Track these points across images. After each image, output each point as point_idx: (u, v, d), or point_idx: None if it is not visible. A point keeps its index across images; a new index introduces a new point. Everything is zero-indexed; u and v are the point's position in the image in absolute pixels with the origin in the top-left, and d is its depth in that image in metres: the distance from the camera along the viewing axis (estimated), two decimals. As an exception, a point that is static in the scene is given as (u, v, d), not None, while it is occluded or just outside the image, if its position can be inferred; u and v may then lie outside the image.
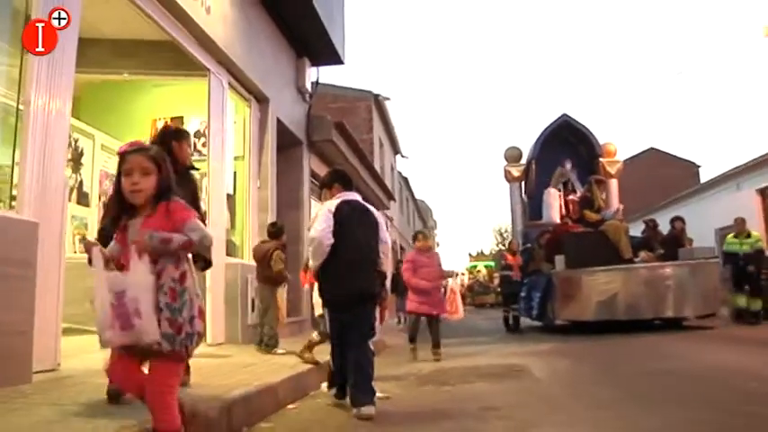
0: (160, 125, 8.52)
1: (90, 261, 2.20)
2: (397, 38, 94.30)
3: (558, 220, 12.43)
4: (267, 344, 6.27)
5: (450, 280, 8.25)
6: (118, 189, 2.27)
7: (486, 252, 44.42)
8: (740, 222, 10.73)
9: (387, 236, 4.24)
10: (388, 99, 21.86)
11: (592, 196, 11.04)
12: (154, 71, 7.65)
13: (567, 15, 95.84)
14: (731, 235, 10.67)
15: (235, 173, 8.15)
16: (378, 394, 3.70)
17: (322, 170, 11.56)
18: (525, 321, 11.80)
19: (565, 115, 13.99)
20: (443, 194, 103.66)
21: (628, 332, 8.60)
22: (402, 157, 28.00)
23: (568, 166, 13.46)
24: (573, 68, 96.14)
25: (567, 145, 13.97)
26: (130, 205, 2.26)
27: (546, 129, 13.94)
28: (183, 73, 7.46)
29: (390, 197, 19.51)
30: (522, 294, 11.75)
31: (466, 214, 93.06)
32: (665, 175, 32.93)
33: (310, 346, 5.45)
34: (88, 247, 2.23)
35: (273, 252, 6.45)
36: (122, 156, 2.28)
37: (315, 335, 5.61)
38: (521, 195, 14.29)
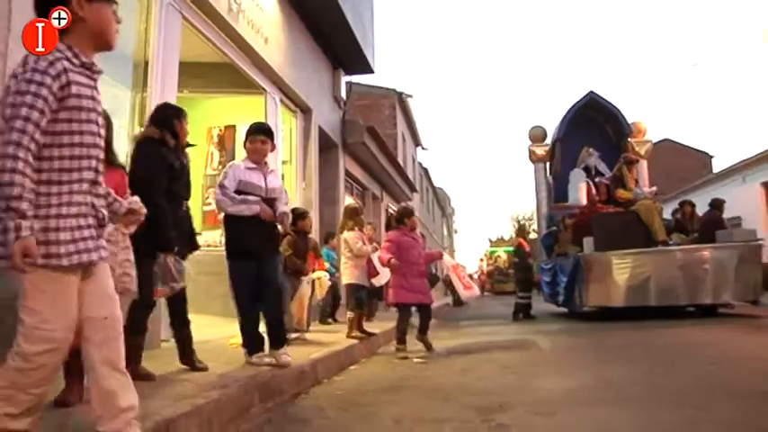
0: (215, 133, 9.83)
1: None
2: (414, 28, 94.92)
3: (584, 203, 11.85)
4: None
5: (446, 256, 7.53)
6: None
7: (507, 238, 43.73)
8: None
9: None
10: (410, 96, 22.92)
11: (622, 176, 10.55)
12: (215, 89, 8.86)
13: (584, 7, 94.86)
14: None
15: (283, 175, 9.17)
16: (416, 360, 4.81)
17: (355, 170, 12.82)
18: (548, 308, 11.68)
19: (592, 92, 13.27)
20: (462, 182, 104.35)
21: (658, 319, 8.32)
22: (423, 149, 29.11)
23: (595, 156, 12.85)
24: (589, 59, 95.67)
25: (593, 124, 13.40)
26: None
27: (572, 107, 13.25)
28: (239, 91, 8.67)
29: (413, 189, 20.69)
30: (547, 279, 11.51)
31: (484, 202, 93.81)
32: (679, 165, 32.94)
33: (352, 325, 6.53)
34: None
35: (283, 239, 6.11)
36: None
37: (348, 313, 6.63)
38: (545, 177, 13.77)
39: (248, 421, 3.09)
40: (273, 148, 4.56)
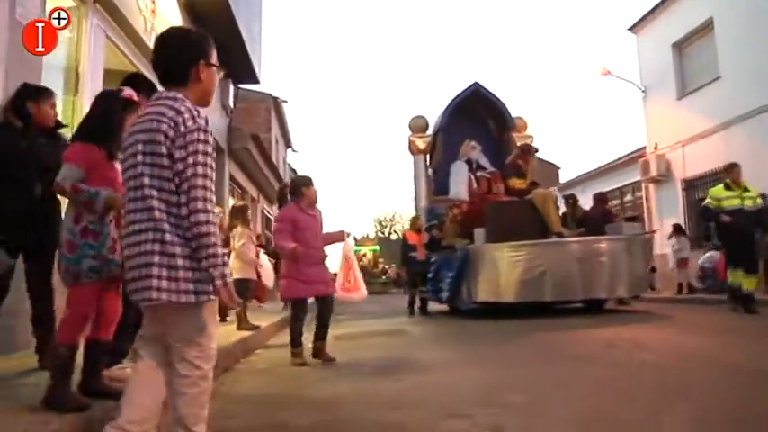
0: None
1: None
2: (289, 31, 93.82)
3: (466, 196, 11.19)
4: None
5: (349, 241, 5.93)
6: None
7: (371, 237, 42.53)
8: (733, 168, 7.89)
9: None
10: (285, 102, 23.73)
11: (523, 164, 10.01)
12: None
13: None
14: (719, 187, 7.91)
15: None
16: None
17: (237, 173, 13.46)
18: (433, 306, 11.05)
19: (476, 84, 12.79)
20: (328, 183, 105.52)
21: (546, 315, 8.17)
22: (293, 151, 29.97)
23: (478, 150, 12.04)
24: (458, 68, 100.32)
25: (476, 117, 12.98)
26: None
27: (456, 97, 12.68)
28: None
29: (285, 190, 21.44)
30: (430, 275, 10.58)
31: (349, 201, 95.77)
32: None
33: (240, 318, 6.83)
34: None
35: None
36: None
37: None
38: (426, 169, 13.13)
39: None
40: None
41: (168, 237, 1.96)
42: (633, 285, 8.40)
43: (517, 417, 2.81)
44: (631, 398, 3.11)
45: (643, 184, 16.93)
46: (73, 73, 5.85)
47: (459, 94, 12.72)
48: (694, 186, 15.31)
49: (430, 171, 13.15)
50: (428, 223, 11.78)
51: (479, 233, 8.96)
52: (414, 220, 11.95)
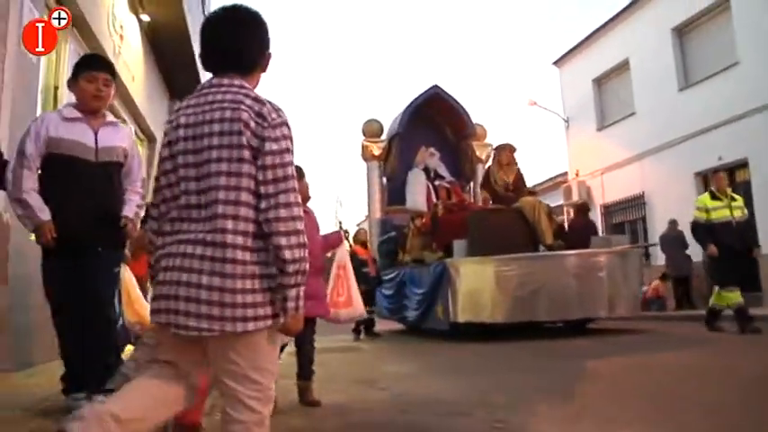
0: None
1: None
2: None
3: (424, 207, 10.45)
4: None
5: (346, 246, 5.00)
6: None
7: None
8: (719, 179, 7.36)
9: None
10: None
11: (509, 164, 8.84)
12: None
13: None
14: (705, 196, 7.32)
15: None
16: None
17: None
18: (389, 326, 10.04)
19: (436, 86, 11.82)
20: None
21: (525, 336, 7.29)
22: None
23: (436, 157, 11.56)
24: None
25: (433, 123, 12.17)
26: None
27: (414, 100, 11.65)
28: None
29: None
30: (387, 293, 9.48)
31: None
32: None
33: None
34: None
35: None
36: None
37: None
38: (380, 177, 11.96)
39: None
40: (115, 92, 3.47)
41: (239, 253, 1.59)
42: (631, 303, 7.74)
43: (513, 413, 3.16)
44: None
45: (565, 208, 17.64)
46: (52, 92, 5.91)
47: (418, 97, 11.73)
48: (612, 211, 16.40)
49: (384, 179, 12.06)
50: (384, 236, 10.62)
51: (459, 245, 7.97)
52: (357, 234, 10.43)
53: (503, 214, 8.31)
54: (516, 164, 8.91)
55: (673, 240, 11.94)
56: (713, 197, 7.22)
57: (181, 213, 1.67)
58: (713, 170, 7.57)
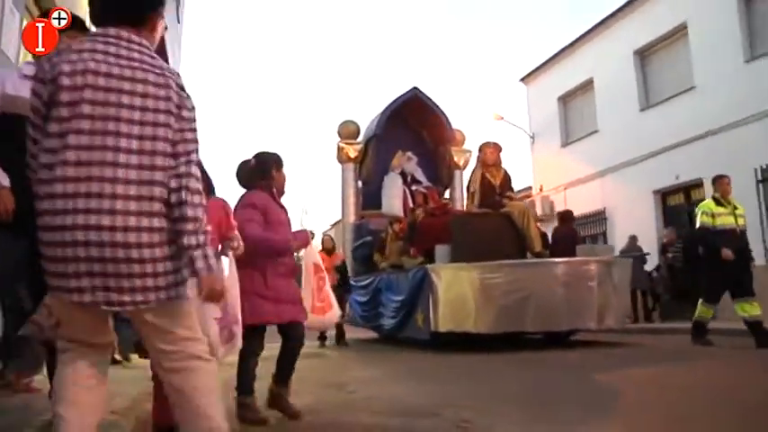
0: None
1: None
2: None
3: (400, 212, 10.15)
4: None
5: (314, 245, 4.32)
6: None
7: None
8: (721, 181, 7.12)
9: None
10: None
11: (495, 165, 8.32)
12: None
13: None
14: (710, 202, 7.08)
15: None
16: None
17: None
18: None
19: (415, 89, 11.52)
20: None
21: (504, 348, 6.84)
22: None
23: (413, 162, 11.22)
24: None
25: (411, 127, 11.89)
26: None
27: (392, 102, 11.32)
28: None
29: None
30: (361, 299, 9.08)
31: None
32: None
33: None
34: None
35: None
36: None
37: None
38: (356, 180, 11.53)
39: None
40: None
41: (165, 222, 1.67)
42: (620, 314, 7.47)
43: (475, 413, 3.29)
44: None
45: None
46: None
47: (397, 99, 11.39)
48: (574, 226, 16.86)
49: (360, 183, 11.64)
50: (359, 240, 10.20)
51: (442, 250, 7.58)
52: (322, 242, 10.03)
53: (489, 219, 7.87)
54: (502, 164, 8.49)
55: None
56: (717, 203, 7.03)
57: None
58: (718, 175, 7.28)
